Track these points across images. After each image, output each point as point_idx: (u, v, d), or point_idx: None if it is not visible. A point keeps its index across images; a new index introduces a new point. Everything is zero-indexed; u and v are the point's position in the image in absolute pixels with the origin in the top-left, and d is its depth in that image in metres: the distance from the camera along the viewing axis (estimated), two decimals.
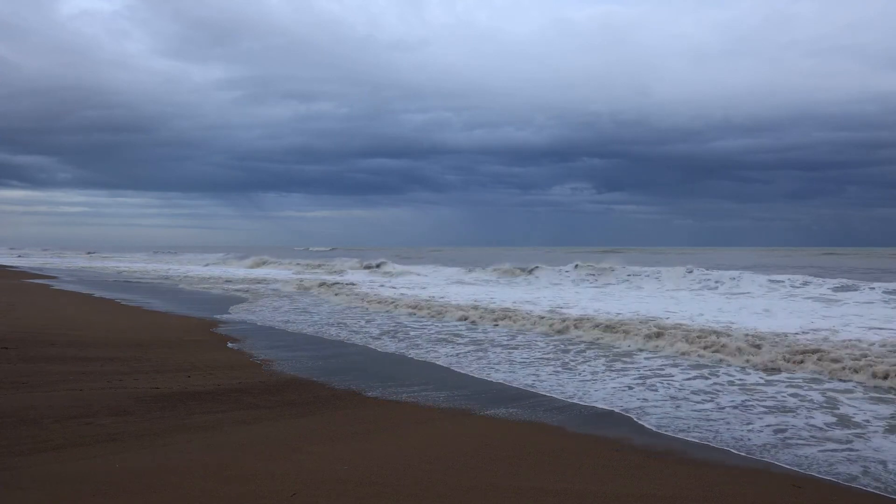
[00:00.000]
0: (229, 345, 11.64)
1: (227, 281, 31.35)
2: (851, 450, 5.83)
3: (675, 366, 9.84)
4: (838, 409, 7.26)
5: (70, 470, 4.90)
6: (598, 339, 12.29)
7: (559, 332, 13.25)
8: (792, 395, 7.95)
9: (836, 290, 20.50)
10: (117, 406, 6.87)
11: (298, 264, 46.15)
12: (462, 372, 9.46)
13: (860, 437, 6.23)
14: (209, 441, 5.82)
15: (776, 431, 6.41)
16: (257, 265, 48.58)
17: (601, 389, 8.29)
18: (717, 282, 24.61)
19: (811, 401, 7.62)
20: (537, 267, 32.12)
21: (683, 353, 10.60)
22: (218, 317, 16.14)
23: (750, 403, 7.51)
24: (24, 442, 5.52)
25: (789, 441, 6.10)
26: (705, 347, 10.66)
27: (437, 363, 10.16)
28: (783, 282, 22.78)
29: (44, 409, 6.54)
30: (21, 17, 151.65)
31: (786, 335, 11.66)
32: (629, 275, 28.37)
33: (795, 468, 5.39)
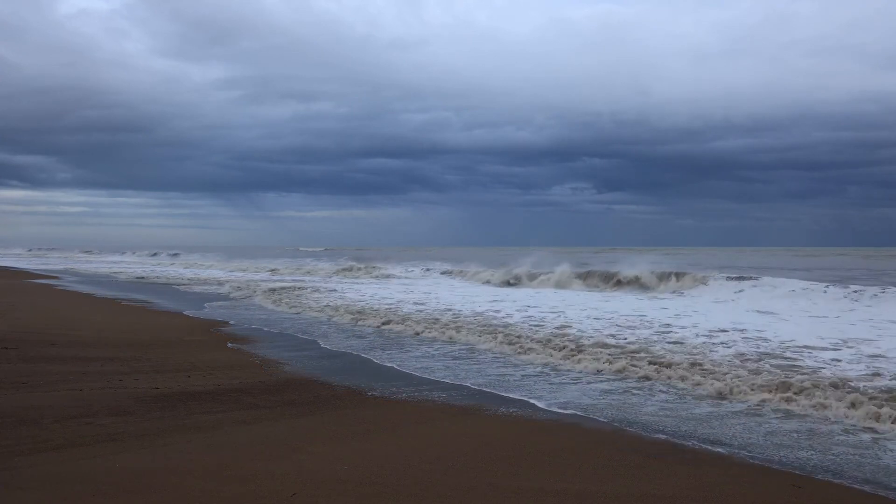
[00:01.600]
0: (229, 345, 11.64)
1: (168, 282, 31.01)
2: (858, 452, 5.83)
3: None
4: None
5: (70, 470, 4.90)
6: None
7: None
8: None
9: None
10: (117, 406, 6.87)
11: (257, 268, 43.53)
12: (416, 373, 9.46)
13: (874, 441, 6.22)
14: (209, 441, 5.82)
15: (778, 432, 6.41)
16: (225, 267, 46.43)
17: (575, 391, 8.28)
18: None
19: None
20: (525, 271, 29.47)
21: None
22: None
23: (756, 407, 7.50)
24: (24, 442, 5.52)
25: (791, 442, 6.10)
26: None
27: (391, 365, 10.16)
28: None
29: (44, 409, 6.54)
30: (19, 17, 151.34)
31: None
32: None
33: (795, 469, 5.39)
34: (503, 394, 8.06)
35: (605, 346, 10.93)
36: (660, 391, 8.19)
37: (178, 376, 8.60)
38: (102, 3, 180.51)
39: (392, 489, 4.69)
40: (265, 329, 14.06)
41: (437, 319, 14.79)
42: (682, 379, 8.58)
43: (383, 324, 14.59)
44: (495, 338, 11.99)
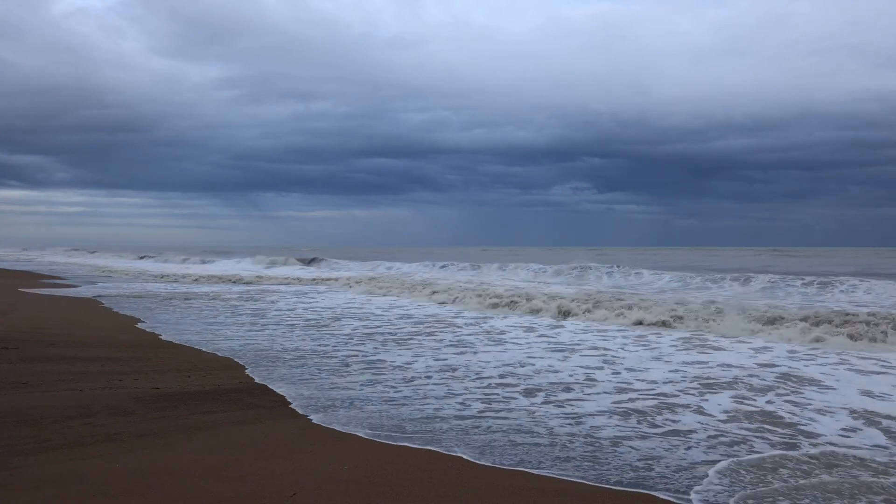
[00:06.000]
0: None
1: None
2: None
3: None
4: None
5: (70, 470, 4.90)
6: None
7: None
8: None
9: None
10: (117, 406, 6.87)
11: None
12: None
13: None
14: (209, 441, 5.81)
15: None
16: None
17: None
18: None
19: None
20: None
21: None
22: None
23: None
24: (24, 442, 5.52)
25: None
26: None
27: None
28: None
29: (44, 409, 6.54)
30: (15, 16, 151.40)
31: None
32: None
33: None
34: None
35: None
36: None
37: (178, 376, 8.60)
38: (98, 1, 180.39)
39: (392, 489, 4.68)
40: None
41: None
42: None
43: None
44: None
